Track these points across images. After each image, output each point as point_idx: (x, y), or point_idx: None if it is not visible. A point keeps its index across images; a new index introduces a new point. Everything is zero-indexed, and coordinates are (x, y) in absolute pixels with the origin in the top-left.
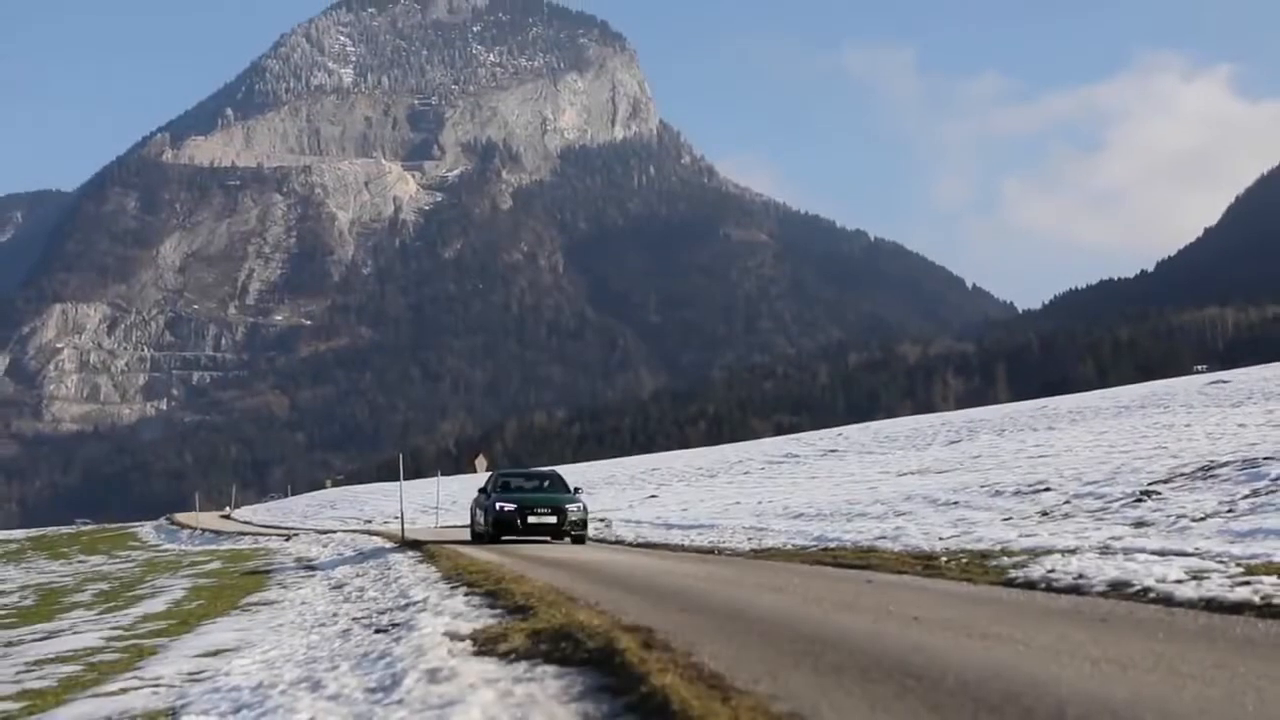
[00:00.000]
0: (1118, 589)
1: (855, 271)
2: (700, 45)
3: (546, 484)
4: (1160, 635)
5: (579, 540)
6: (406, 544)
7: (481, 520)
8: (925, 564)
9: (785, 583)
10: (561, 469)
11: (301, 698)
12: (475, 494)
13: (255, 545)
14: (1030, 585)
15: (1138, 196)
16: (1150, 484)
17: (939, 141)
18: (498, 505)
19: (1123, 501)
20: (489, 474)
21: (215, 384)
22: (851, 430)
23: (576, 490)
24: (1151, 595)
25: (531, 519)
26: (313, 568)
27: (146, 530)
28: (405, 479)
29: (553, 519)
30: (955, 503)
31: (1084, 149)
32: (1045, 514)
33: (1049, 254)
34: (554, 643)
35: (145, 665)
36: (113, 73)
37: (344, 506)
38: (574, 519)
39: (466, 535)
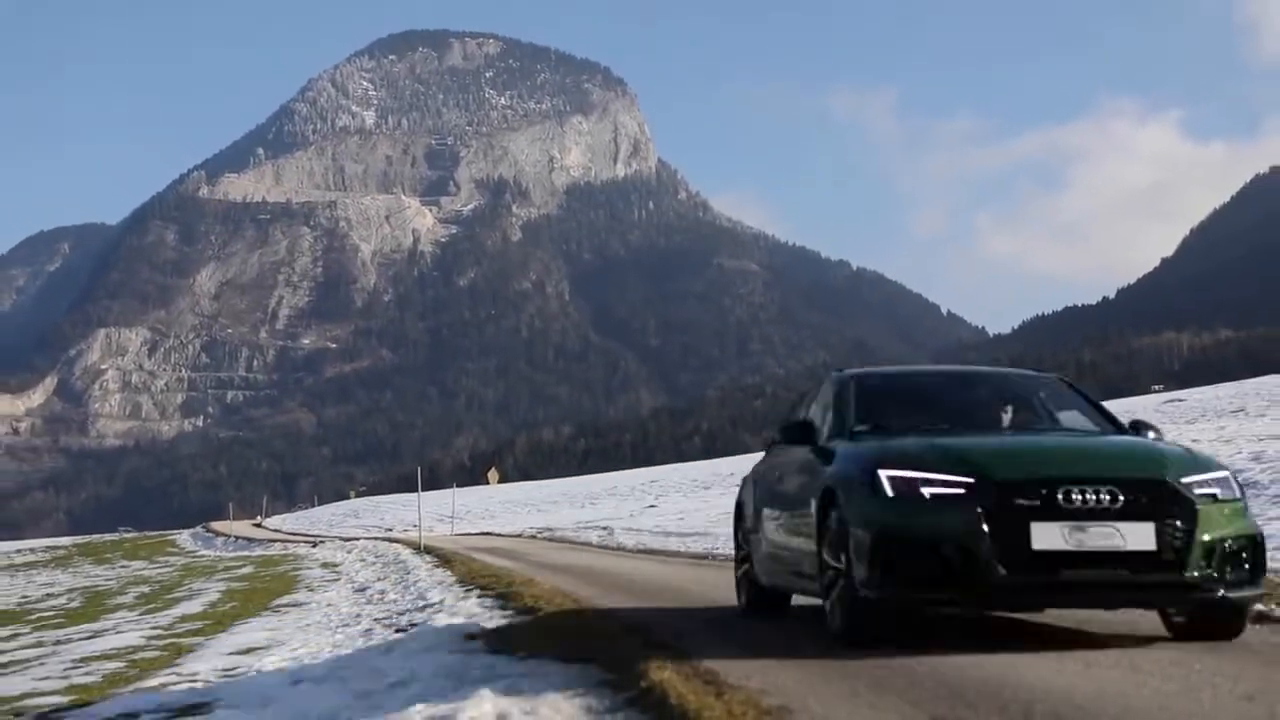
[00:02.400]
0: None
1: (839, 298)
2: (695, 89)
3: (1037, 403)
4: (1121, 635)
5: (1230, 623)
6: (425, 550)
7: (801, 544)
8: None
9: None
10: (566, 481)
11: (327, 692)
12: (750, 482)
13: (284, 551)
14: None
15: (1099, 229)
16: None
17: (917, 178)
18: (900, 482)
19: None
20: (841, 380)
21: (248, 402)
22: None
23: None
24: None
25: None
26: (338, 572)
27: (184, 538)
28: (423, 490)
29: (1149, 542)
30: None
31: (1050, 186)
32: None
33: (1017, 282)
34: (560, 641)
35: (183, 662)
36: (153, 116)
37: (366, 516)
38: (1216, 539)
39: (485, 543)
